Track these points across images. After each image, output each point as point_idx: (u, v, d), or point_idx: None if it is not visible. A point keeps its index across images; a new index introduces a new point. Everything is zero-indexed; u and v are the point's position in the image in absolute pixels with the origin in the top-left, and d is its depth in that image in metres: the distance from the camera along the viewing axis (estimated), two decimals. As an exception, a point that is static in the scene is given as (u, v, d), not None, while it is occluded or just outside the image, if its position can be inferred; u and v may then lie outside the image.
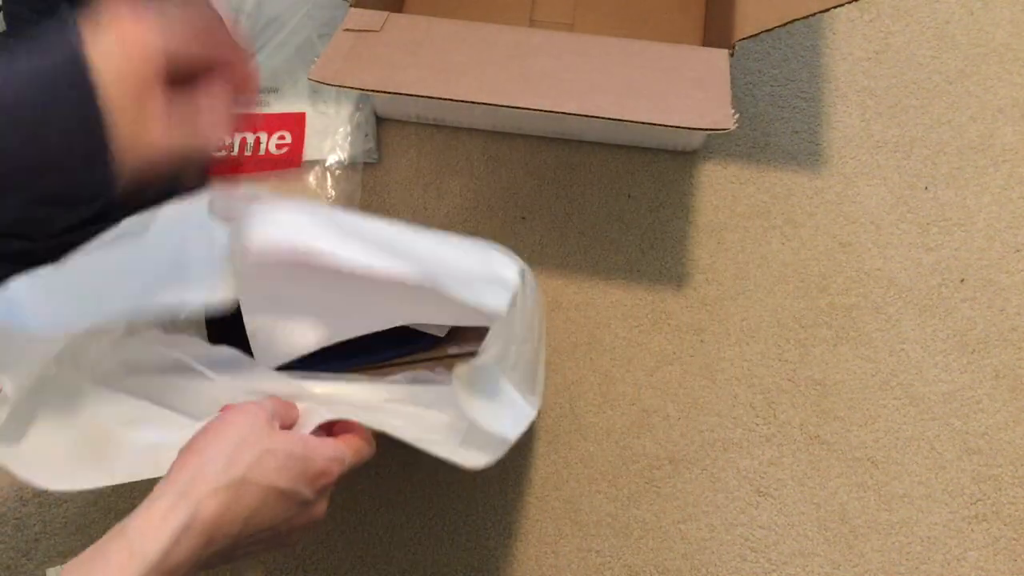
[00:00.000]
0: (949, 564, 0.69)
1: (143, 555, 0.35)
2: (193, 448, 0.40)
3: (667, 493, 0.71)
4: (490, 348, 0.44)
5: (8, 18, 0.80)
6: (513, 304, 0.46)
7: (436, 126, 0.86)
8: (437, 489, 0.72)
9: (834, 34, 0.89)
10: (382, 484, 0.72)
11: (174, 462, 0.40)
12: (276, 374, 0.51)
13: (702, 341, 0.76)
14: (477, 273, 0.46)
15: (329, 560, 0.70)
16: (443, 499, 0.71)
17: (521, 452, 0.73)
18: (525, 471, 0.72)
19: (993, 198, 0.81)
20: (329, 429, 0.46)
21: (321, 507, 0.44)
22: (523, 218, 0.82)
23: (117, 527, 0.37)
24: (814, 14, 0.67)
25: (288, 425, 0.44)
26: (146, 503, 0.37)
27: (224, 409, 0.42)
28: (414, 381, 0.51)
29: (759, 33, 0.69)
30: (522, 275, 0.50)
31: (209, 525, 0.37)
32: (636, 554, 0.70)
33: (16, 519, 0.71)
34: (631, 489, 0.72)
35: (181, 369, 0.49)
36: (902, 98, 0.86)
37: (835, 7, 0.67)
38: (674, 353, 0.76)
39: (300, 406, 0.45)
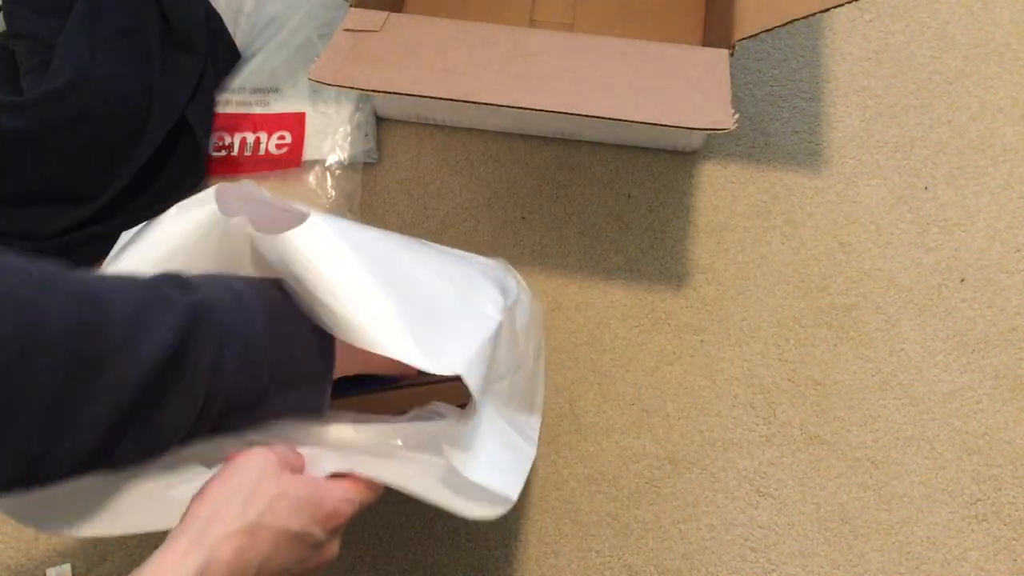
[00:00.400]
0: (949, 564, 0.69)
1: None
2: (206, 494, 0.40)
3: (667, 493, 0.71)
4: (474, 417, 0.45)
5: (8, 18, 0.81)
6: (489, 361, 0.46)
7: (436, 126, 0.86)
8: (437, 489, 0.72)
9: (834, 34, 0.89)
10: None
11: (188, 508, 0.40)
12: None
13: (702, 341, 0.76)
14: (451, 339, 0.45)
15: (329, 560, 0.70)
16: (443, 499, 0.71)
17: (521, 452, 0.73)
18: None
19: (993, 198, 0.81)
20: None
21: (333, 548, 0.45)
22: (523, 218, 0.82)
23: (134, 572, 0.37)
24: (814, 14, 0.67)
25: (297, 470, 0.44)
26: (161, 549, 0.38)
27: (231, 456, 0.42)
28: (415, 419, 0.51)
29: (759, 33, 0.69)
30: (508, 303, 0.50)
31: (224, 570, 0.37)
32: (636, 554, 0.70)
33: (16, 519, 0.71)
34: (631, 489, 0.72)
35: None
36: (902, 98, 0.86)
37: (835, 7, 0.67)
38: (674, 353, 0.76)
39: (306, 452, 0.45)
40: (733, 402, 0.74)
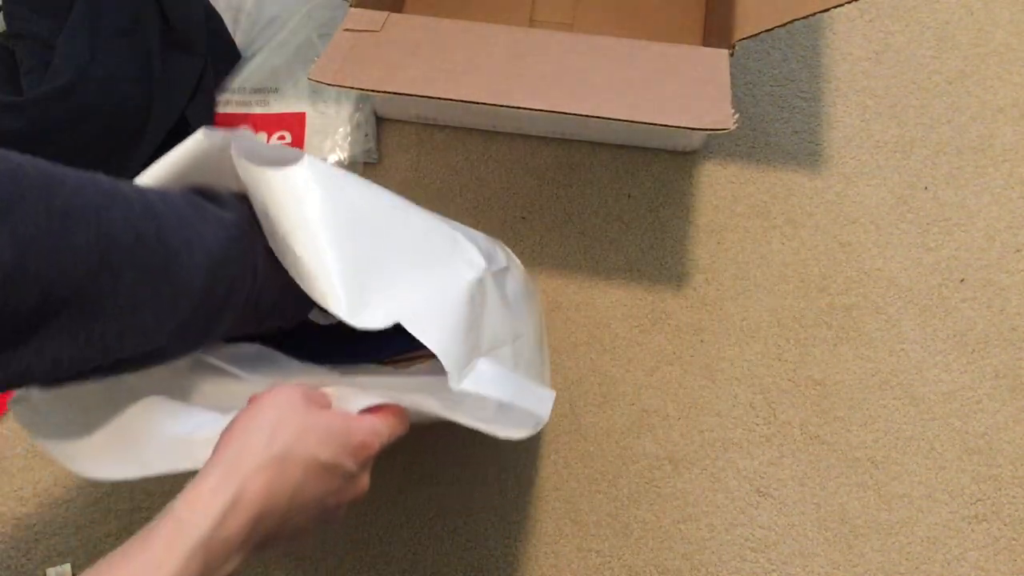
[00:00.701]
0: (949, 564, 0.69)
1: (190, 531, 0.35)
2: (234, 430, 0.41)
3: (667, 493, 0.71)
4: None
5: (8, 18, 0.80)
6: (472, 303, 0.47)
7: (436, 126, 0.86)
8: (437, 489, 0.72)
9: (834, 34, 0.89)
10: (382, 484, 0.72)
11: (217, 444, 0.40)
12: (304, 366, 0.52)
13: (702, 341, 0.76)
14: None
15: (329, 560, 0.70)
16: (443, 499, 0.71)
17: (521, 452, 0.73)
18: (525, 471, 0.72)
19: (993, 198, 0.81)
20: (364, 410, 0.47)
21: (364, 480, 0.45)
22: (523, 218, 0.82)
23: (166, 507, 0.37)
24: (814, 14, 0.67)
25: (323, 408, 0.44)
26: (192, 483, 0.38)
27: (255, 397, 0.42)
28: (433, 371, 0.52)
29: (759, 33, 0.69)
30: (493, 268, 0.51)
31: (256, 502, 0.38)
32: (636, 554, 0.70)
33: (16, 519, 0.71)
34: (631, 489, 0.72)
35: (207, 370, 0.49)
36: (902, 98, 0.86)
37: (835, 7, 0.67)
38: (674, 353, 0.76)
39: (331, 391, 0.45)
40: (733, 402, 0.74)
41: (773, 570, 0.69)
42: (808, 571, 0.69)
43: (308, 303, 0.47)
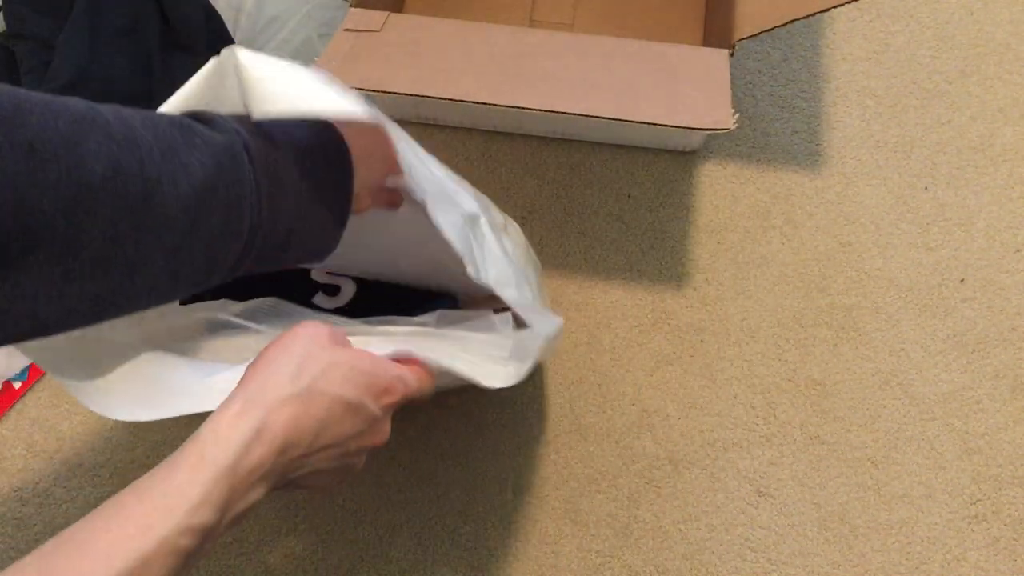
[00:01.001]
0: (949, 564, 0.69)
1: (214, 459, 0.35)
2: (259, 363, 0.40)
3: (667, 493, 0.71)
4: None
5: (8, 18, 0.81)
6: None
7: (436, 126, 0.86)
8: (437, 489, 0.72)
9: (834, 34, 0.89)
10: (382, 484, 0.72)
11: (243, 376, 0.40)
12: (320, 315, 0.52)
13: (702, 341, 0.76)
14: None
15: (329, 560, 0.70)
16: (443, 499, 0.71)
17: (521, 452, 0.73)
18: (525, 471, 0.72)
19: (993, 198, 0.81)
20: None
21: (386, 428, 0.44)
22: (523, 218, 0.82)
23: (192, 436, 0.37)
24: (814, 14, 0.67)
25: (349, 347, 0.45)
26: (217, 411, 0.38)
27: (282, 335, 0.42)
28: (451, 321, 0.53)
29: (759, 33, 0.69)
30: (489, 216, 0.51)
31: (280, 433, 0.38)
32: (636, 554, 0.70)
33: (16, 519, 0.71)
34: (631, 489, 0.72)
35: (225, 327, 0.49)
36: (902, 98, 0.86)
37: (835, 7, 0.67)
38: (674, 353, 0.76)
39: (354, 339, 0.45)
40: (733, 402, 0.74)
41: (773, 570, 0.69)
42: (808, 571, 0.69)
43: (333, 228, 0.46)
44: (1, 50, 0.80)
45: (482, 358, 0.47)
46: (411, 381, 0.44)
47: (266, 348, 0.41)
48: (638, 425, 0.73)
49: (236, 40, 0.86)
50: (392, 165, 0.46)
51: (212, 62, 0.43)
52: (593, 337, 0.77)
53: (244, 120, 0.42)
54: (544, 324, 0.48)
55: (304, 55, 0.86)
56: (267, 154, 0.42)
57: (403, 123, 0.85)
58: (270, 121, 0.43)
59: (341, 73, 0.66)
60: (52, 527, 0.70)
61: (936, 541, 0.69)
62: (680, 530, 0.70)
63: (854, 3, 0.69)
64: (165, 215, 0.37)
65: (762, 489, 0.71)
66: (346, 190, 0.46)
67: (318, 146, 0.45)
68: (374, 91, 0.66)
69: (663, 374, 0.75)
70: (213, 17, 0.84)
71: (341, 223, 0.46)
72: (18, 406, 0.75)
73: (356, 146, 0.46)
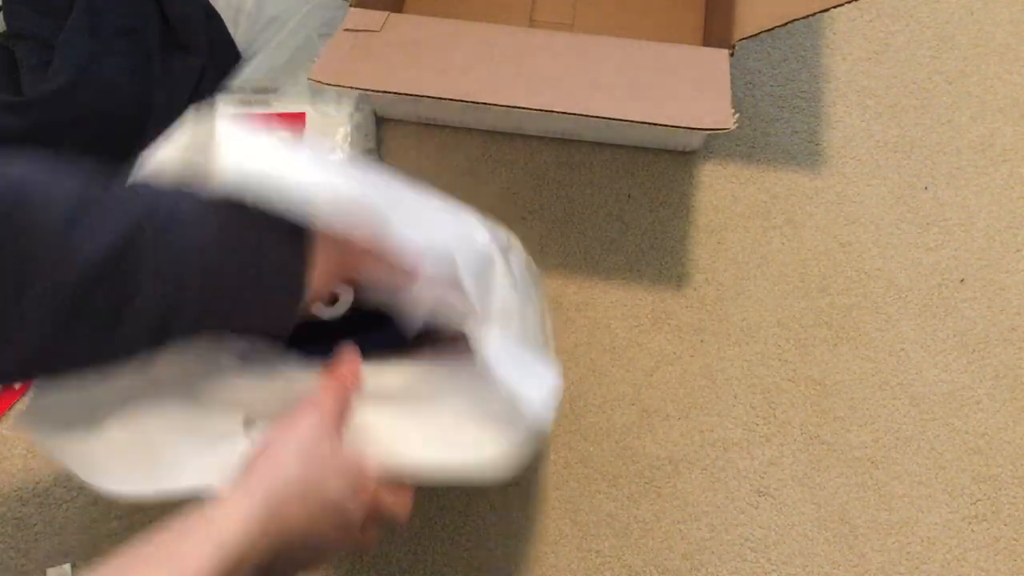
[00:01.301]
0: (949, 564, 0.69)
1: (222, 544, 0.35)
2: (267, 452, 0.41)
3: (667, 493, 0.71)
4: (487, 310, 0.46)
5: (8, 18, 0.81)
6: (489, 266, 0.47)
7: (436, 126, 0.86)
8: (437, 489, 0.72)
9: (834, 34, 0.89)
10: (382, 484, 0.72)
11: (249, 463, 0.40)
12: (308, 364, 0.51)
13: (702, 341, 0.76)
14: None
15: (328, 560, 0.70)
16: (443, 499, 0.71)
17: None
18: (525, 471, 0.72)
19: (993, 198, 0.81)
20: None
21: (370, 534, 0.45)
22: (523, 218, 0.82)
23: (198, 512, 0.37)
24: (814, 14, 0.67)
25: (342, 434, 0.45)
26: (227, 495, 0.38)
27: (285, 420, 0.42)
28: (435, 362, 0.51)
29: (759, 33, 0.69)
30: (496, 241, 0.51)
31: (284, 529, 0.38)
32: (636, 554, 0.70)
33: (16, 519, 0.71)
34: (631, 489, 0.72)
35: (217, 372, 0.48)
36: (902, 98, 0.86)
37: (835, 7, 0.67)
38: (674, 353, 0.76)
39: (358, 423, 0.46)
40: (733, 402, 0.74)
41: (773, 570, 0.69)
42: (808, 571, 0.69)
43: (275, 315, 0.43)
44: (1, 50, 0.80)
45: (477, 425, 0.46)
46: (386, 502, 0.45)
47: (272, 435, 0.41)
48: (638, 425, 0.73)
49: (236, 40, 0.86)
50: (371, 258, 0.44)
51: (197, 120, 0.43)
52: (593, 337, 0.77)
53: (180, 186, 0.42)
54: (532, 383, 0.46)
55: (304, 55, 0.86)
56: (189, 224, 0.40)
57: (403, 123, 0.86)
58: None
59: (341, 73, 0.66)
60: (52, 527, 0.70)
61: (936, 541, 0.69)
62: (680, 530, 0.70)
63: (854, 3, 0.69)
64: (58, 280, 0.36)
65: (762, 489, 0.71)
66: (294, 276, 0.43)
67: (264, 229, 0.42)
68: (374, 91, 0.66)
69: (663, 374, 0.75)
70: (213, 17, 0.85)
71: (286, 310, 0.43)
72: (18, 406, 0.75)
73: (326, 236, 0.43)
